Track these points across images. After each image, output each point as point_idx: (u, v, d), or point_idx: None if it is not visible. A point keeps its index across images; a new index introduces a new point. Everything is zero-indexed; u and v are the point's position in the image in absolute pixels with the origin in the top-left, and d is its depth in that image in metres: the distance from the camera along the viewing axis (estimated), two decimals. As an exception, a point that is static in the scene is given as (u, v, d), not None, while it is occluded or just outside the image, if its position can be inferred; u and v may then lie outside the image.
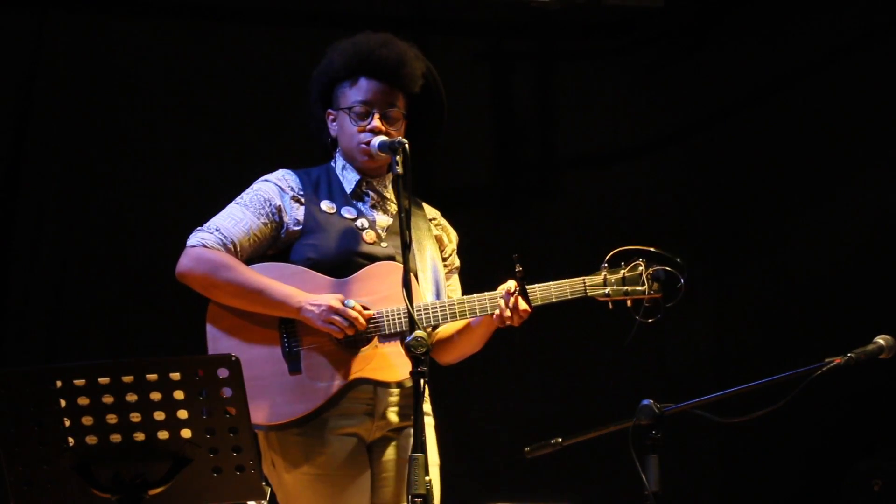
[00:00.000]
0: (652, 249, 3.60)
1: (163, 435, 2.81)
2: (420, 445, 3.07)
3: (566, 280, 3.57)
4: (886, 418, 5.33)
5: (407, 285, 3.21)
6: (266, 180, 3.65)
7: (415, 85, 3.64)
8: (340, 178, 3.69)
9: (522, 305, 3.49)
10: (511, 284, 3.51)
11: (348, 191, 3.67)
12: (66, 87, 5.10)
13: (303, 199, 3.61)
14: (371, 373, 3.50)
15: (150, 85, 5.20)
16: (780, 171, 5.56)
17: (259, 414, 3.43)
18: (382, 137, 3.55)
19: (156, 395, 2.79)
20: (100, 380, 2.77)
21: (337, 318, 3.43)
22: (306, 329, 3.49)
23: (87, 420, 2.79)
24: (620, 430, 3.23)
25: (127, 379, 2.77)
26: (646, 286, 3.58)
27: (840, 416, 5.39)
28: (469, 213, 5.37)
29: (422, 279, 3.58)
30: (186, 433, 2.82)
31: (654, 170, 5.66)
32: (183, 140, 5.21)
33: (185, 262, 3.52)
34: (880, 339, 3.29)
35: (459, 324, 3.68)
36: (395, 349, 3.48)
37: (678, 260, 3.57)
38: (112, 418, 2.79)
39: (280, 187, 3.62)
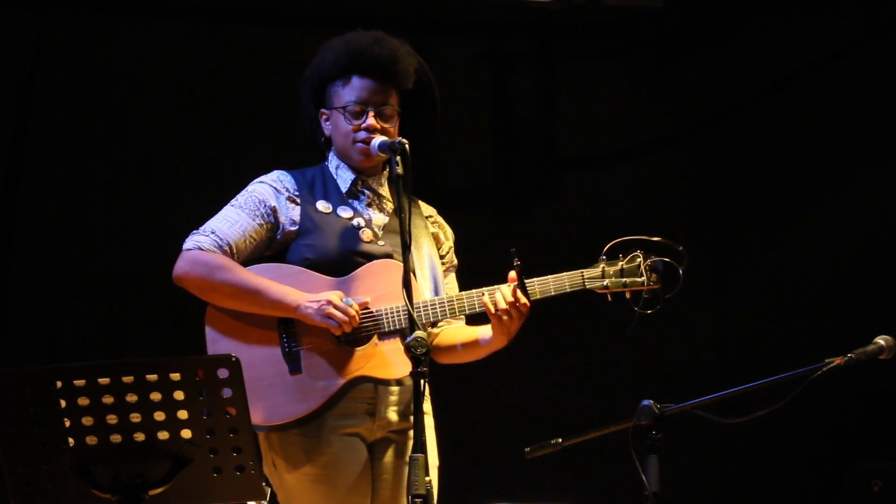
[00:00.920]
0: (655, 239, 3.59)
1: (163, 435, 2.81)
2: (420, 446, 3.07)
3: (564, 273, 3.56)
4: (886, 419, 5.34)
5: (407, 286, 3.21)
6: (261, 182, 3.65)
7: (408, 81, 3.64)
8: (335, 177, 3.69)
9: (521, 299, 3.48)
10: (511, 276, 3.50)
11: (344, 190, 3.67)
12: (65, 87, 5.10)
13: (298, 200, 3.61)
14: (371, 371, 3.50)
15: (150, 85, 5.20)
16: (780, 171, 5.56)
17: (260, 414, 3.43)
18: (382, 138, 3.55)
19: (156, 396, 2.79)
20: (100, 380, 2.77)
21: (336, 312, 3.42)
22: (305, 329, 3.49)
23: (87, 420, 2.79)
24: (620, 431, 3.22)
25: (127, 379, 2.77)
26: (644, 277, 3.57)
27: (840, 417, 5.39)
28: (469, 212, 5.37)
29: (419, 276, 3.58)
30: (186, 433, 2.82)
31: (653, 170, 5.66)
32: (183, 140, 5.21)
33: (181, 266, 3.52)
34: (880, 340, 3.28)
35: (463, 335, 3.69)
36: (394, 346, 3.48)
37: (680, 248, 3.56)
38: (112, 419, 2.79)
39: (275, 188, 3.62)
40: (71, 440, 2.80)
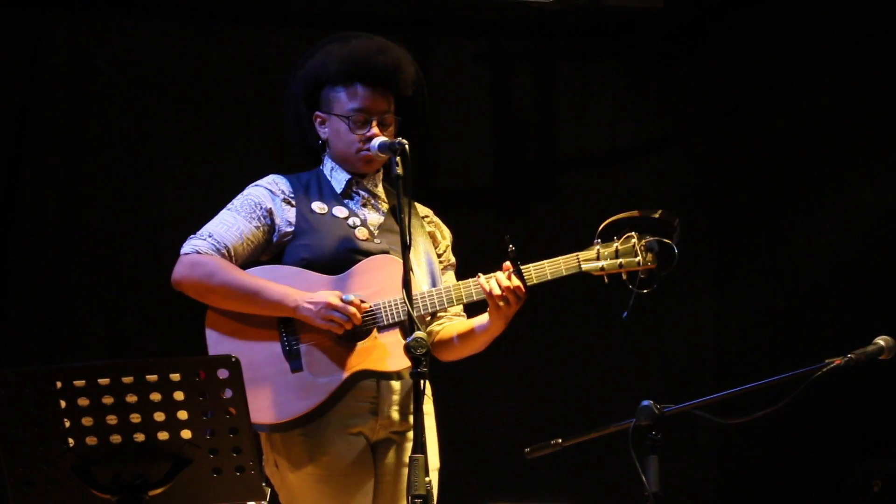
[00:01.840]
0: (636, 213, 3.57)
1: (163, 436, 2.81)
2: (420, 446, 3.07)
3: (560, 257, 3.55)
4: (886, 419, 5.33)
5: (407, 285, 3.22)
6: (256, 185, 3.66)
7: (408, 90, 3.65)
8: (330, 179, 3.69)
9: (516, 283, 3.48)
10: (506, 265, 3.50)
11: (338, 191, 3.67)
12: (65, 87, 5.10)
13: (293, 202, 3.62)
14: (372, 364, 3.50)
15: (151, 86, 5.20)
16: (780, 171, 5.56)
17: (263, 414, 3.43)
18: (382, 138, 3.55)
19: (156, 396, 2.79)
20: (100, 380, 2.77)
21: (336, 314, 3.43)
22: (305, 326, 3.49)
23: (86, 421, 2.79)
24: (620, 431, 3.22)
25: (127, 380, 2.77)
26: (640, 257, 3.55)
27: (840, 417, 5.39)
28: (469, 213, 5.37)
29: (416, 270, 3.58)
30: (186, 434, 2.82)
31: (653, 170, 5.66)
32: (183, 141, 5.21)
33: (179, 270, 3.53)
34: (880, 340, 3.29)
35: (461, 327, 3.69)
36: (394, 339, 3.49)
37: (661, 212, 3.54)
38: (112, 419, 2.79)
39: (270, 191, 3.63)
40: (71, 440, 2.80)
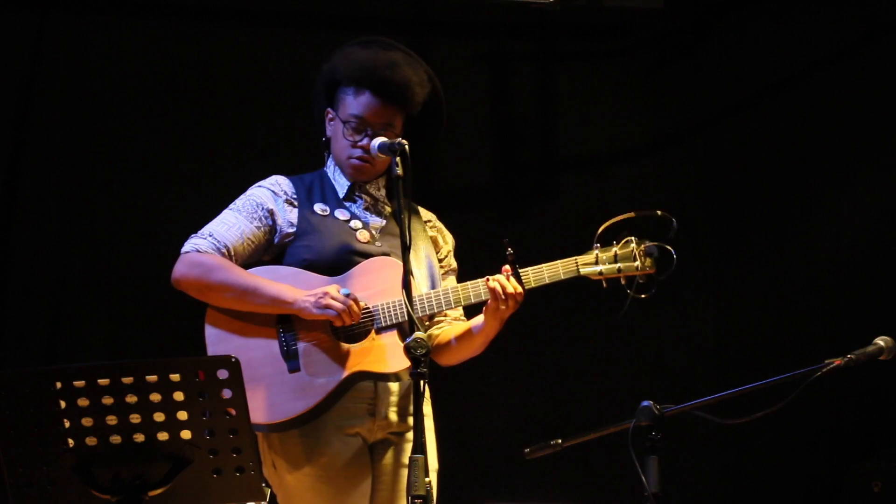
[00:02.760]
0: (631, 215, 3.57)
1: (162, 436, 2.82)
2: (420, 447, 3.07)
3: (558, 261, 3.56)
4: (886, 419, 5.33)
5: (407, 286, 3.22)
6: (259, 186, 3.67)
7: (413, 110, 3.64)
8: (333, 181, 3.70)
9: (516, 287, 3.48)
10: (505, 268, 3.51)
11: (341, 194, 3.68)
12: (66, 88, 5.10)
13: (296, 203, 3.63)
14: (369, 365, 3.51)
15: (151, 86, 5.20)
16: (780, 171, 5.56)
17: (260, 414, 3.44)
18: (382, 139, 3.55)
19: (155, 397, 2.79)
20: (99, 381, 2.77)
21: (334, 302, 3.43)
22: (303, 326, 3.50)
23: (86, 421, 2.79)
24: (620, 431, 3.22)
25: (127, 380, 2.77)
26: (639, 262, 3.56)
27: (840, 418, 5.39)
28: (469, 214, 5.37)
29: (416, 272, 3.58)
30: (186, 434, 2.82)
31: (653, 171, 5.66)
32: (183, 141, 5.21)
33: (179, 268, 3.55)
34: (880, 341, 3.29)
35: (458, 329, 3.69)
36: (392, 340, 3.50)
37: (660, 213, 3.54)
38: (112, 419, 2.79)
39: (273, 191, 3.64)
40: (71, 441, 2.80)
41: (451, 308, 3.59)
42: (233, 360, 2.81)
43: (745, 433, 5.13)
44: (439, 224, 3.83)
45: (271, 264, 3.60)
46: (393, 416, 3.57)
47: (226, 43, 5.28)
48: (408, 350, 3.11)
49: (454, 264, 3.82)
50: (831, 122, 5.49)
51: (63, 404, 2.78)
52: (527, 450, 3.40)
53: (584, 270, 3.56)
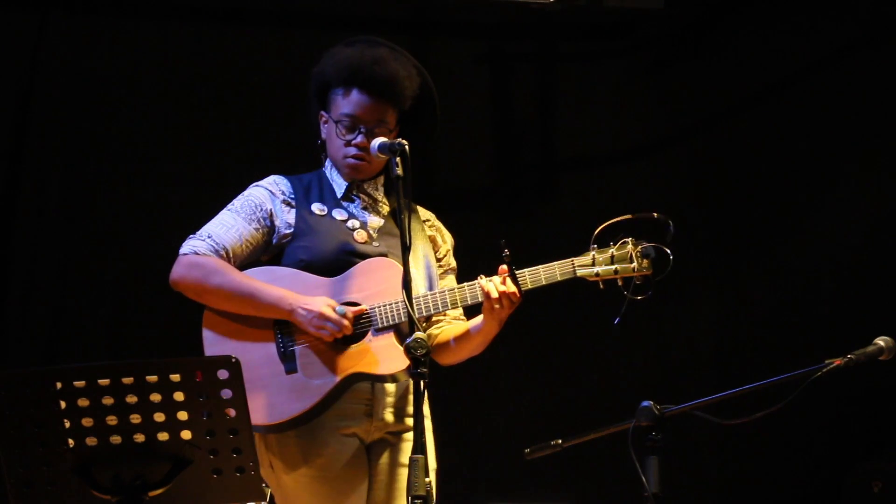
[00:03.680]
0: (629, 217, 3.56)
1: (163, 436, 2.81)
2: (420, 447, 3.07)
3: (555, 262, 3.55)
4: (886, 420, 5.33)
5: (407, 287, 3.22)
6: (257, 186, 3.67)
7: (404, 104, 3.64)
8: (331, 181, 3.70)
9: (511, 289, 3.48)
10: (502, 269, 3.51)
11: (339, 194, 3.68)
12: (65, 87, 5.10)
13: (293, 203, 3.63)
14: (366, 367, 3.50)
15: (150, 87, 5.20)
16: (781, 171, 5.56)
17: (258, 415, 3.42)
18: (382, 139, 3.55)
19: (156, 397, 2.79)
20: (100, 381, 2.77)
21: (328, 324, 3.44)
22: (300, 328, 3.50)
23: (87, 421, 2.79)
24: (620, 432, 3.23)
25: (127, 380, 2.77)
26: (636, 263, 3.54)
27: (840, 418, 5.39)
28: (469, 214, 5.37)
29: (415, 273, 3.58)
30: (186, 435, 2.82)
31: (654, 171, 5.66)
32: (183, 140, 5.21)
33: (177, 270, 3.55)
34: (880, 341, 3.28)
35: (458, 330, 3.69)
36: (388, 342, 3.49)
37: (657, 215, 3.54)
38: (112, 420, 2.79)
39: (271, 192, 3.64)
40: (71, 441, 2.80)
41: (449, 309, 3.59)
42: (233, 360, 2.81)
43: (745, 433, 5.13)
44: (438, 223, 3.83)
45: (269, 264, 3.60)
46: (390, 417, 3.57)
47: (225, 43, 5.28)
48: (408, 350, 3.11)
49: (453, 263, 3.82)
50: (831, 122, 5.49)
51: (63, 404, 2.78)
52: (527, 450, 3.40)
53: (580, 272, 3.55)
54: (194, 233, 3.59)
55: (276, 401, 3.47)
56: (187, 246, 3.56)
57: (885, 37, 5.47)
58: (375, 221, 3.67)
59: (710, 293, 5.60)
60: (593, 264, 3.56)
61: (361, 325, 3.51)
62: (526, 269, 3.52)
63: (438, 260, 3.76)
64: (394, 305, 3.49)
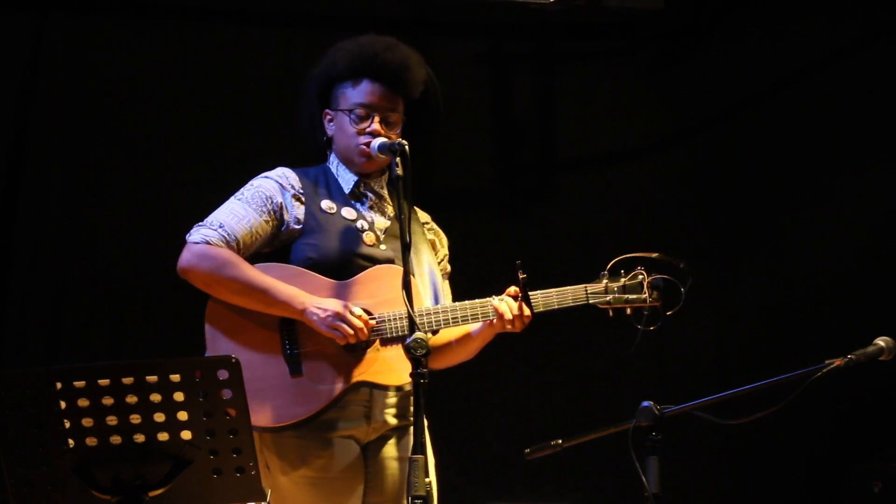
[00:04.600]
0: (654, 255, 3.60)
1: (163, 436, 2.81)
2: (420, 447, 3.07)
3: (568, 287, 3.59)
4: (887, 420, 5.33)
5: (407, 286, 3.22)
6: (266, 177, 3.65)
7: (416, 91, 3.65)
8: (338, 178, 3.69)
9: (525, 311, 3.50)
10: (513, 290, 3.52)
11: (346, 191, 3.67)
12: (66, 88, 5.10)
13: (303, 198, 3.61)
14: (372, 376, 3.50)
15: (151, 87, 5.20)
16: (781, 171, 5.56)
17: (259, 416, 3.42)
18: (382, 139, 3.55)
19: (156, 397, 2.79)
20: (100, 381, 2.77)
21: (342, 325, 3.43)
22: (308, 331, 3.49)
23: (86, 422, 2.79)
24: (620, 432, 3.23)
25: (127, 380, 2.77)
26: (646, 294, 3.60)
27: (840, 418, 5.39)
28: (468, 215, 5.37)
29: (419, 284, 3.57)
30: (186, 435, 2.82)
31: (654, 171, 5.66)
32: (183, 142, 5.21)
33: (187, 258, 3.51)
34: (880, 341, 3.29)
35: (457, 332, 3.68)
36: (396, 353, 3.48)
37: (682, 265, 3.58)
38: (112, 420, 2.79)
39: (281, 185, 3.62)
40: (71, 441, 2.80)
41: (458, 325, 3.58)
42: (233, 360, 2.81)
43: (746, 434, 5.12)
44: (436, 226, 3.83)
45: (272, 258, 3.58)
46: (389, 419, 3.57)
47: (225, 43, 5.28)
48: (408, 350, 3.11)
49: (448, 268, 3.81)
50: (831, 122, 5.49)
51: (63, 405, 2.78)
52: (527, 450, 3.41)
53: (592, 299, 3.62)
54: (202, 220, 3.57)
55: (279, 403, 3.46)
56: (198, 234, 3.52)
57: (884, 37, 5.47)
58: (382, 222, 3.67)
59: (709, 293, 5.60)
60: (606, 292, 3.61)
61: (371, 334, 3.50)
62: (538, 292, 3.56)
63: (437, 264, 3.75)
64: (402, 315, 3.46)
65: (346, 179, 3.68)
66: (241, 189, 3.63)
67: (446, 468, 3.69)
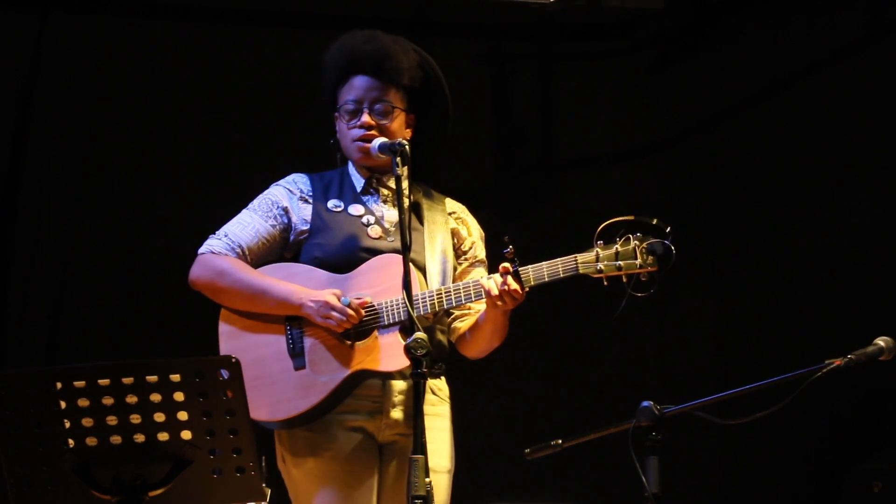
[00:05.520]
0: (630, 218, 3.54)
1: (163, 436, 2.82)
2: (420, 447, 3.08)
3: (558, 259, 3.53)
4: (886, 420, 5.33)
5: (407, 286, 3.23)
6: (277, 184, 3.73)
7: (403, 77, 3.66)
8: (352, 177, 3.73)
9: (512, 285, 3.47)
10: (503, 266, 3.50)
11: (359, 189, 3.71)
12: (66, 88, 5.10)
13: (310, 200, 3.67)
14: (371, 364, 3.52)
15: (151, 86, 5.20)
16: (780, 171, 5.56)
17: (265, 411, 3.48)
18: (382, 139, 3.56)
19: (156, 397, 2.79)
20: (100, 381, 2.77)
21: (334, 313, 3.46)
22: (310, 323, 3.53)
23: (87, 421, 2.79)
24: (620, 432, 3.23)
25: (127, 380, 2.78)
26: (640, 259, 3.50)
27: (840, 418, 5.39)
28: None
29: (429, 269, 3.60)
30: (186, 435, 2.82)
31: (654, 171, 5.66)
32: (184, 142, 5.21)
33: (194, 270, 3.61)
34: (880, 341, 3.28)
35: (470, 321, 3.69)
36: (394, 340, 3.50)
37: (654, 221, 3.52)
38: (112, 420, 2.80)
39: (289, 189, 3.69)
40: (71, 441, 2.80)
41: (453, 307, 3.59)
42: (233, 360, 2.81)
43: (746, 434, 5.12)
44: (466, 216, 3.84)
45: (291, 262, 3.64)
46: (399, 415, 3.58)
47: (227, 43, 5.28)
48: (408, 350, 3.12)
49: (481, 255, 3.81)
50: (831, 122, 5.48)
51: (63, 404, 2.78)
52: (527, 450, 3.40)
53: (583, 269, 3.51)
54: (214, 232, 3.63)
55: (284, 398, 3.50)
56: (205, 245, 3.62)
57: (884, 37, 5.47)
58: (393, 215, 3.68)
59: (709, 293, 5.60)
60: (597, 260, 3.51)
61: (368, 323, 3.51)
62: (529, 266, 3.51)
63: (464, 252, 3.76)
64: (400, 302, 3.48)
65: (359, 177, 3.72)
66: (254, 199, 3.70)
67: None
